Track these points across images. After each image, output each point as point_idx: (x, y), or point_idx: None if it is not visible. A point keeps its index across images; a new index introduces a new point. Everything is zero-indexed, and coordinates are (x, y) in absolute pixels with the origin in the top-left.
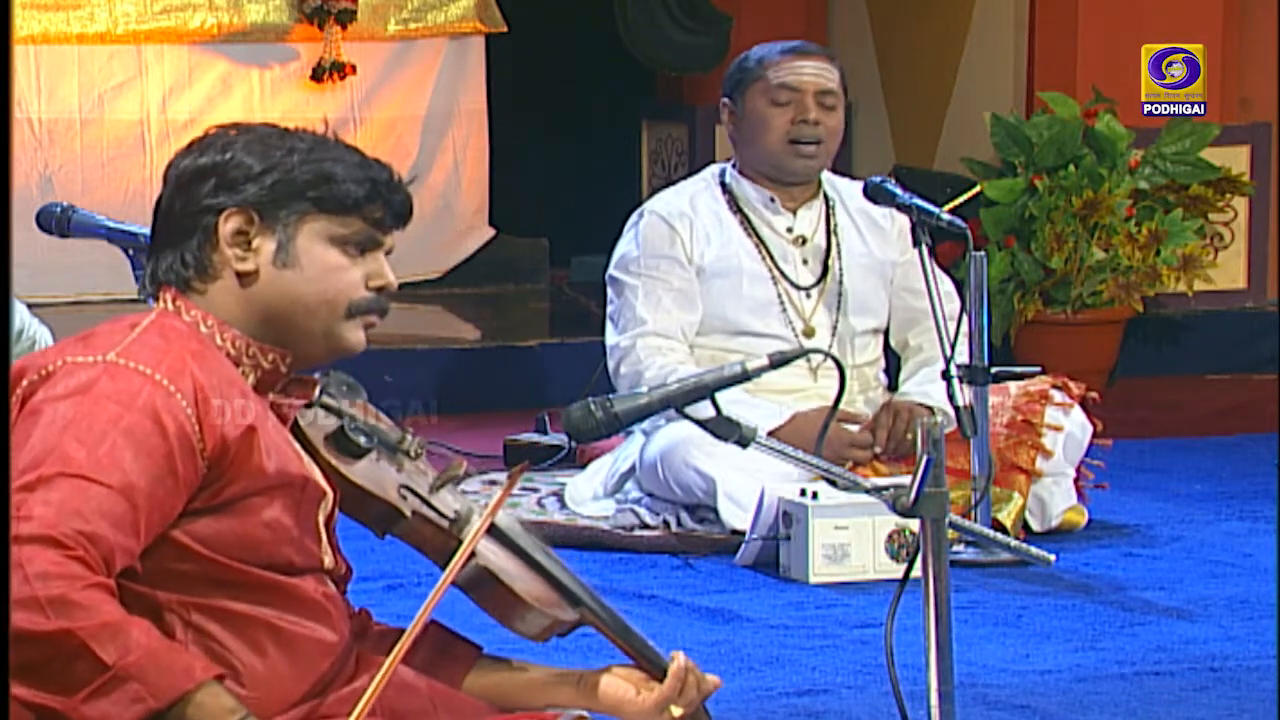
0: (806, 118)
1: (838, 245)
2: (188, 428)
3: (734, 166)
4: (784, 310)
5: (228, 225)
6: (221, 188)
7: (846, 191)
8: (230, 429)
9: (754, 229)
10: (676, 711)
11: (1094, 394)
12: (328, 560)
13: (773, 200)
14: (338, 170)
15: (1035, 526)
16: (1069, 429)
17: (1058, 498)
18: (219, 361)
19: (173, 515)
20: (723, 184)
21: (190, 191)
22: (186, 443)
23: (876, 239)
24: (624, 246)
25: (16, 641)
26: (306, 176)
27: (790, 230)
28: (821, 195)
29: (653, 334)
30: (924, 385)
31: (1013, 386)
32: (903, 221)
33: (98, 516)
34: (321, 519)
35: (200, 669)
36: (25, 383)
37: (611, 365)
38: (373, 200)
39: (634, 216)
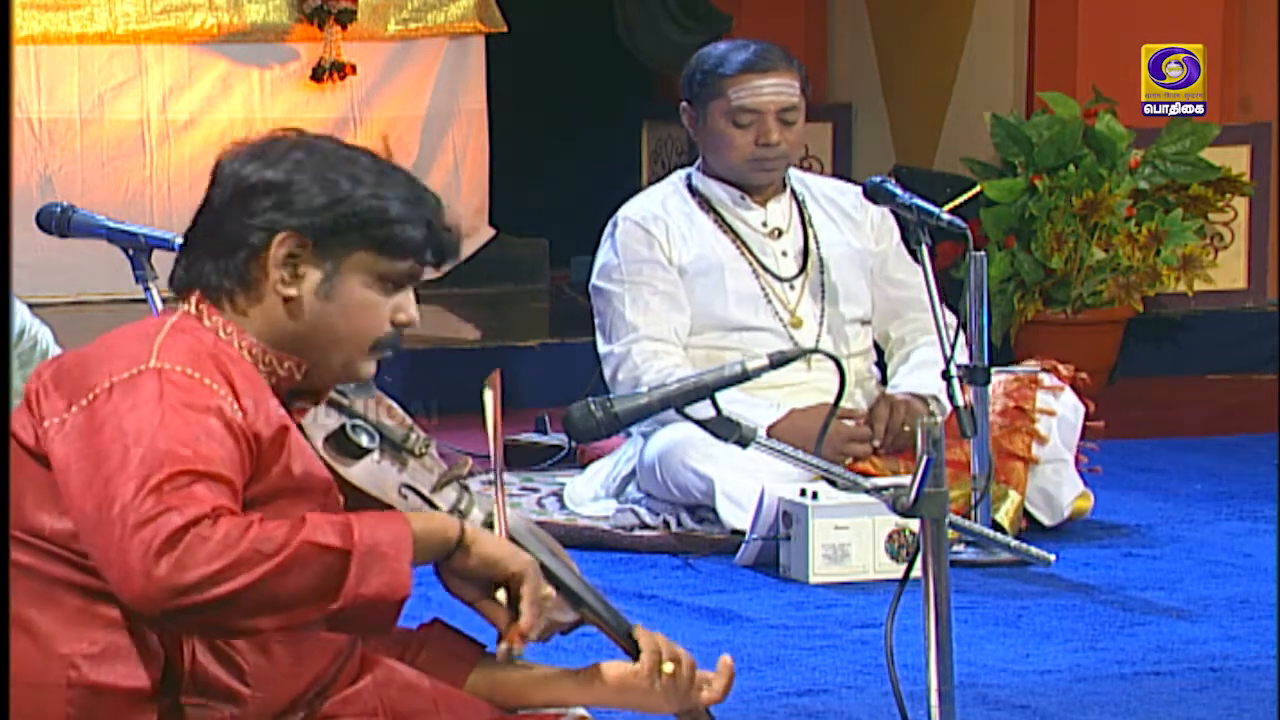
0: (769, 140)
1: (814, 236)
2: (239, 423)
3: (699, 169)
4: (769, 302)
5: (281, 249)
6: (281, 208)
7: (814, 185)
8: (264, 427)
9: (729, 225)
10: (668, 668)
11: (1084, 375)
12: None
13: (743, 197)
14: (397, 210)
15: (1046, 521)
16: (1061, 412)
17: (1064, 488)
18: (245, 364)
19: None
20: (690, 187)
21: (247, 203)
22: (243, 436)
23: (851, 229)
24: (603, 256)
25: (257, 591)
26: (367, 214)
27: (765, 224)
28: (788, 189)
29: (645, 338)
30: (915, 374)
31: (1002, 375)
32: (874, 211)
33: (221, 499)
34: None
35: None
36: (54, 420)
37: (608, 374)
38: (426, 243)
39: (609, 226)
